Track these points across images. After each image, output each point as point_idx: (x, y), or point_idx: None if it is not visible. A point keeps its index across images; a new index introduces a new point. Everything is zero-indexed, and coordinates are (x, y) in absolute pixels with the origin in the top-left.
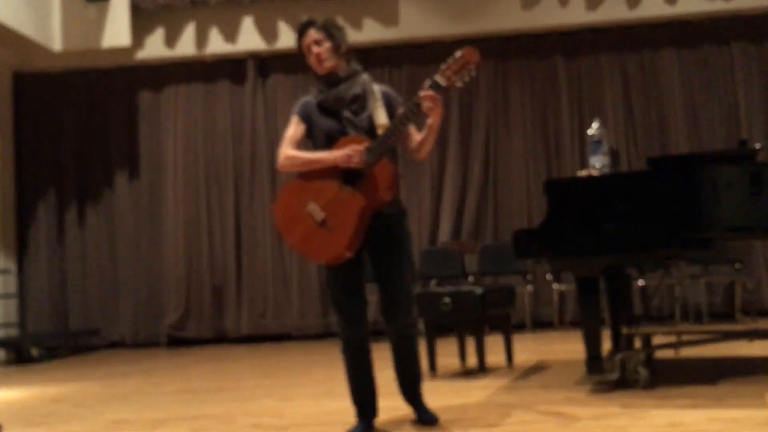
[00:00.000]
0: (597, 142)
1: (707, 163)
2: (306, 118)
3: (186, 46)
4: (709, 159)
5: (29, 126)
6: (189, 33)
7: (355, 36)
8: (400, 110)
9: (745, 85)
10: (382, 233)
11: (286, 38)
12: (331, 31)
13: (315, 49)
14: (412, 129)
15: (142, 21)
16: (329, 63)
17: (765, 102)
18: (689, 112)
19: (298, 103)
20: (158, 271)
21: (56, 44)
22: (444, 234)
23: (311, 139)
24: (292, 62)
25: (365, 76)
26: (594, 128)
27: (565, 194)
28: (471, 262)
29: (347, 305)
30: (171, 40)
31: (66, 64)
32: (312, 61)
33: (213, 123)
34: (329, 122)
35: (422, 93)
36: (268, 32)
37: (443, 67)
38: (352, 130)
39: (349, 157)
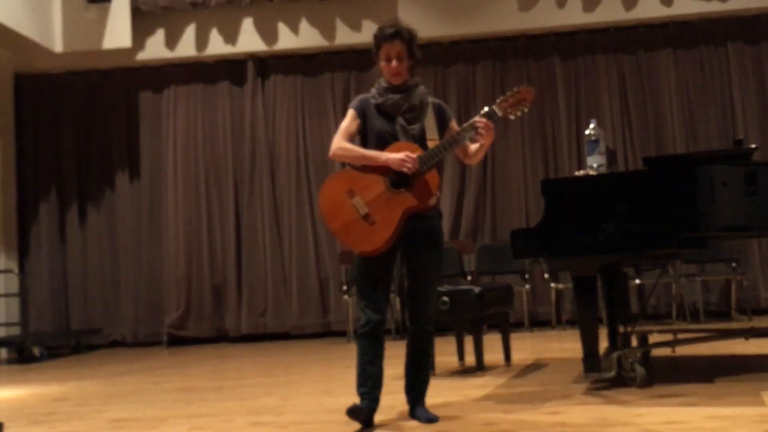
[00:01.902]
0: (594, 142)
1: (703, 162)
2: (362, 114)
3: (186, 47)
4: (705, 159)
5: (30, 126)
6: (189, 34)
7: (353, 37)
8: (453, 124)
9: (741, 86)
10: (421, 233)
11: (286, 39)
12: (413, 50)
13: (395, 63)
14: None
15: (142, 22)
16: (403, 78)
17: (760, 102)
18: (685, 113)
19: (357, 98)
20: (159, 271)
21: (57, 45)
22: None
23: (362, 136)
24: (292, 63)
25: (422, 88)
26: (591, 128)
27: (563, 194)
28: (469, 261)
29: (372, 295)
30: (171, 42)
31: (67, 65)
32: (387, 69)
33: (213, 123)
34: (383, 125)
35: (479, 120)
36: (268, 34)
37: (501, 99)
38: (403, 136)
39: (403, 162)
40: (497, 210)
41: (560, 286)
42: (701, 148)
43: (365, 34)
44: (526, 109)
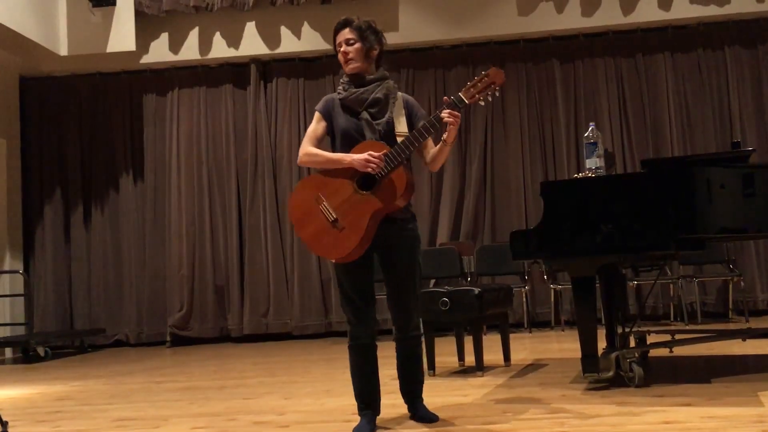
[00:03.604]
0: (592, 144)
1: (701, 165)
2: (327, 115)
3: (190, 50)
4: (703, 161)
5: (35, 129)
6: (193, 38)
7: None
8: (420, 122)
9: (738, 89)
10: (394, 237)
11: (288, 43)
12: (364, 33)
13: (344, 48)
14: (429, 141)
15: (146, 26)
16: (355, 64)
17: (757, 105)
18: (683, 115)
19: (323, 99)
20: (162, 271)
21: (62, 49)
22: (443, 235)
23: (330, 137)
24: (294, 66)
25: (391, 83)
26: (589, 131)
27: (562, 196)
28: (469, 262)
29: (357, 304)
30: (175, 45)
31: (72, 68)
32: (340, 58)
33: (216, 126)
34: (348, 121)
35: (444, 112)
36: (270, 37)
37: (469, 84)
38: (368, 132)
39: (368, 162)
40: (496, 211)
41: (559, 286)
42: (699, 150)
43: None
44: (497, 93)
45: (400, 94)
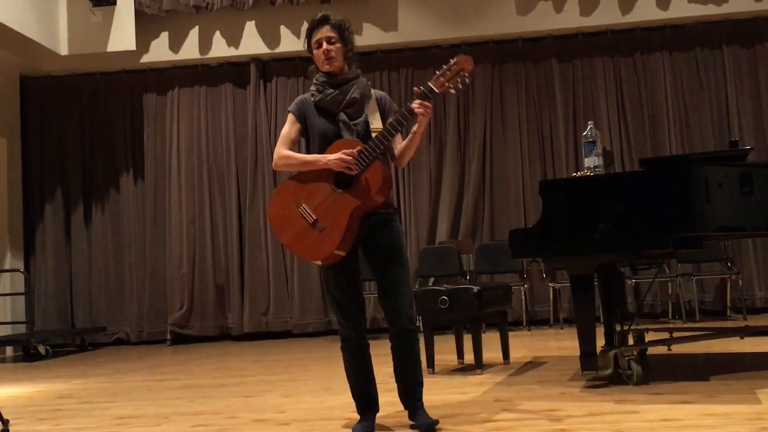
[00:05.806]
0: (591, 143)
1: (699, 163)
2: (301, 116)
3: (190, 50)
4: (701, 160)
5: (36, 128)
6: (193, 38)
7: (354, 40)
8: (392, 118)
9: (736, 88)
10: (376, 233)
11: (288, 43)
12: (344, 34)
13: (326, 45)
14: (398, 136)
15: (146, 26)
16: (337, 63)
17: (755, 104)
18: (681, 114)
19: (296, 100)
20: (163, 270)
21: (62, 48)
22: (442, 233)
23: (307, 138)
24: (294, 66)
25: (364, 80)
26: (588, 130)
27: (560, 194)
28: (468, 260)
29: (345, 304)
30: (175, 45)
31: (72, 68)
32: (319, 56)
33: (216, 125)
34: (325, 123)
35: (415, 103)
36: (270, 37)
37: (438, 73)
38: (346, 133)
39: (342, 161)
40: (495, 210)
41: (558, 285)
42: (697, 149)
43: (366, 38)
44: (467, 80)
45: (373, 91)
